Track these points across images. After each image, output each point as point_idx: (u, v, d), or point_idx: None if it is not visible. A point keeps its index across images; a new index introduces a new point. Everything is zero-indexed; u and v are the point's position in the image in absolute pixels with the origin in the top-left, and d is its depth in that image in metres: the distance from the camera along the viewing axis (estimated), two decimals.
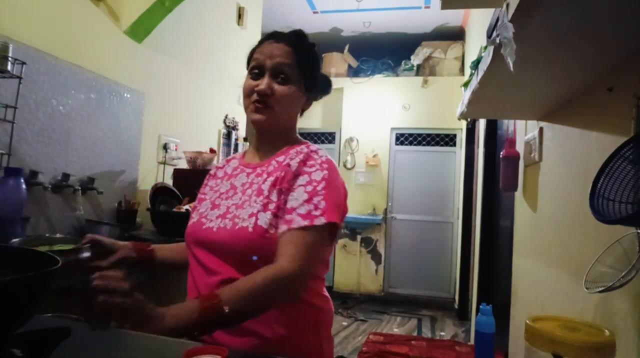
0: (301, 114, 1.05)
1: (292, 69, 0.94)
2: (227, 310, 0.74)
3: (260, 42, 0.99)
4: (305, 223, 0.83)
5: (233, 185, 0.98)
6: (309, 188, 0.88)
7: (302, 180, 0.89)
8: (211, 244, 0.89)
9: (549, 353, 0.93)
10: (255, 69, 0.96)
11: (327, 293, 1.00)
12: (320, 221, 0.84)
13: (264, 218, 0.86)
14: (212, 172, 1.10)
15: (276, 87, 0.93)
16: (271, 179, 0.92)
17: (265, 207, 0.88)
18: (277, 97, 0.93)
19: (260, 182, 0.93)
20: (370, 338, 3.00)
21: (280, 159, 0.96)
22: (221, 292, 0.76)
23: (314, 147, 0.98)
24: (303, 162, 0.91)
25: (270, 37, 0.98)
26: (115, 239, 1.68)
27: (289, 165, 0.91)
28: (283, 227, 0.84)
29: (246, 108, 0.98)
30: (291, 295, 0.85)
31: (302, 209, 0.85)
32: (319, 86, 1.04)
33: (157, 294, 2.31)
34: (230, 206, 0.93)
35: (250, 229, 0.85)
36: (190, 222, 0.99)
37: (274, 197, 0.89)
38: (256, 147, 1.03)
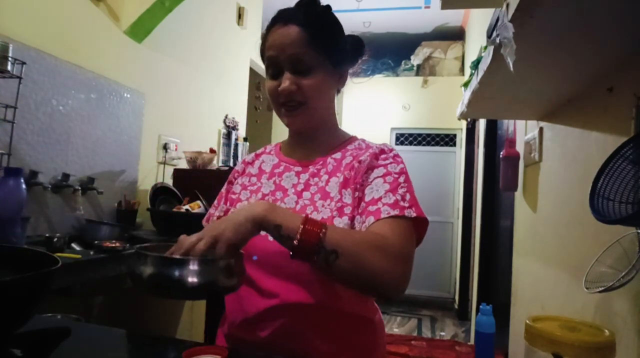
0: (338, 92, 0.93)
1: (310, 55, 0.80)
2: (323, 234, 0.65)
3: (268, 30, 0.85)
4: (396, 212, 0.72)
5: (281, 186, 0.86)
6: (389, 178, 0.78)
7: (378, 172, 0.80)
8: (268, 256, 0.77)
9: (549, 353, 0.93)
10: (271, 67, 0.83)
11: (373, 301, 0.89)
12: (410, 213, 0.73)
13: (340, 225, 0.75)
14: (239, 168, 0.97)
15: (300, 80, 0.81)
16: (335, 179, 0.82)
17: (340, 212, 0.77)
18: (305, 91, 0.81)
19: (320, 183, 0.83)
20: None
21: (337, 156, 0.87)
22: (327, 225, 0.67)
23: (371, 141, 0.91)
24: (375, 156, 0.83)
25: (276, 20, 0.84)
26: (115, 239, 1.68)
27: (360, 161, 0.82)
28: (369, 219, 0.73)
29: (277, 112, 0.86)
30: (396, 280, 0.68)
31: (388, 199, 0.74)
32: (348, 53, 0.90)
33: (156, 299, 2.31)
34: None
35: None
36: None
37: (347, 199, 0.79)
38: (296, 143, 0.92)
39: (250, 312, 0.77)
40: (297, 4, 0.85)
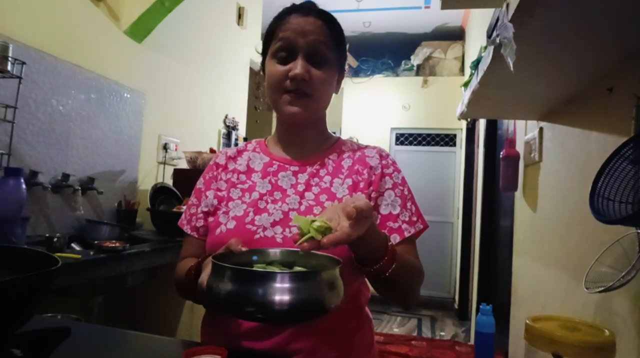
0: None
1: (329, 49, 0.80)
2: (394, 266, 0.68)
3: (282, 17, 0.82)
4: (412, 230, 0.81)
5: (278, 186, 0.84)
6: (398, 191, 0.84)
7: (387, 182, 0.84)
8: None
9: (549, 353, 0.93)
10: (283, 50, 0.79)
11: None
12: (419, 227, 0.83)
13: None
14: (220, 161, 0.91)
15: (313, 71, 0.79)
16: (339, 181, 0.83)
17: None
18: (315, 83, 0.79)
19: (323, 184, 0.83)
20: None
21: (333, 156, 0.87)
22: (396, 254, 0.70)
23: (359, 142, 0.93)
24: (379, 162, 0.86)
25: (293, 10, 0.82)
26: (115, 239, 1.68)
27: (370, 168, 0.84)
28: (395, 237, 0.79)
29: (276, 100, 0.82)
30: (417, 296, 0.81)
31: (404, 216, 0.82)
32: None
33: (155, 295, 2.31)
34: (287, 212, 0.80)
35: None
36: (221, 228, 0.80)
37: None
38: (287, 139, 0.89)
39: None
40: (306, 4, 0.84)
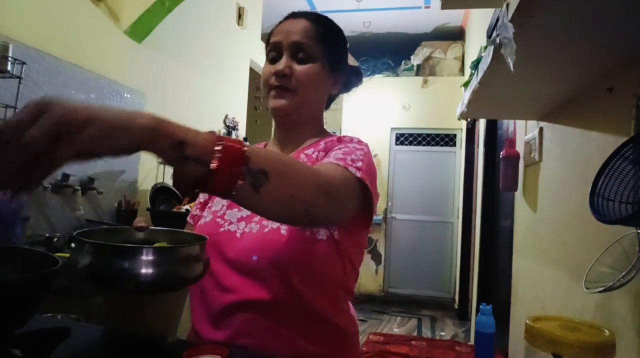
0: (328, 105, 0.93)
1: (312, 46, 0.82)
2: (246, 153, 0.50)
3: (278, 24, 0.88)
4: (340, 163, 0.69)
5: None
6: (345, 149, 0.75)
7: (337, 149, 0.77)
8: (232, 253, 0.76)
9: (549, 353, 0.93)
10: (272, 51, 0.84)
11: (353, 312, 0.85)
12: (354, 171, 0.68)
13: None
14: None
15: (296, 66, 0.81)
16: None
17: None
18: (298, 77, 0.81)
19: None
20: (370, 338, 3.00)
21: (309, 151, 0.86)
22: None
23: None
24: (339, 139, 0.84)
25: (288, 16, 0.87)
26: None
27: (324, 150, 0.82)
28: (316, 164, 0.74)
29: (266, 96, 0.86)
30: (320, 199, 0.59)
31: (338, 154, 0.72)
32: (348, 72, 0.91)
33: (155, 295, 2.31)
34: None
35: (283, 231, 0.72)
36: (201, 221, 0.86)
37: None
38: (280, 141, 0.91)
39: (212, 307, 0.76)
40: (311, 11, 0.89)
